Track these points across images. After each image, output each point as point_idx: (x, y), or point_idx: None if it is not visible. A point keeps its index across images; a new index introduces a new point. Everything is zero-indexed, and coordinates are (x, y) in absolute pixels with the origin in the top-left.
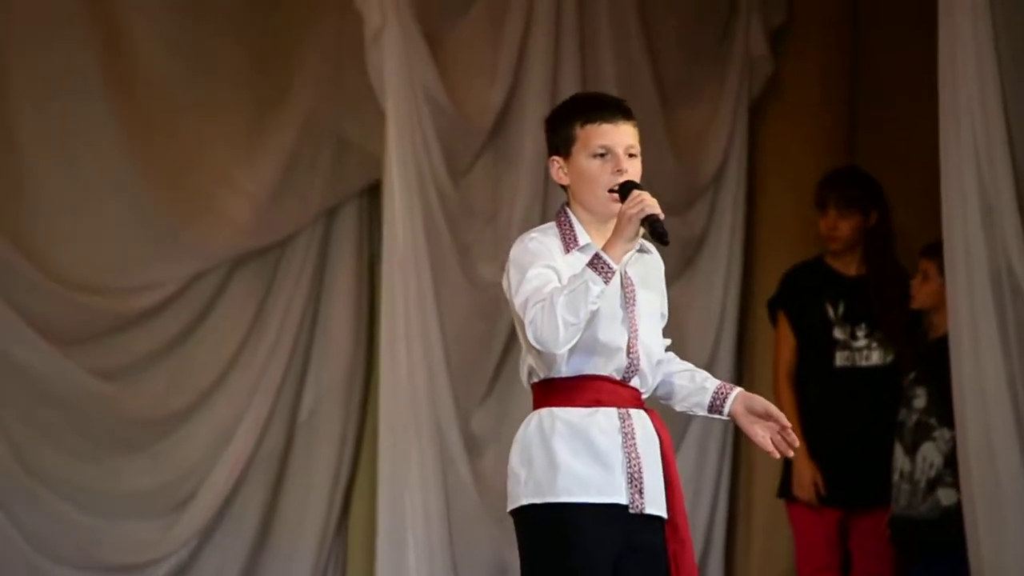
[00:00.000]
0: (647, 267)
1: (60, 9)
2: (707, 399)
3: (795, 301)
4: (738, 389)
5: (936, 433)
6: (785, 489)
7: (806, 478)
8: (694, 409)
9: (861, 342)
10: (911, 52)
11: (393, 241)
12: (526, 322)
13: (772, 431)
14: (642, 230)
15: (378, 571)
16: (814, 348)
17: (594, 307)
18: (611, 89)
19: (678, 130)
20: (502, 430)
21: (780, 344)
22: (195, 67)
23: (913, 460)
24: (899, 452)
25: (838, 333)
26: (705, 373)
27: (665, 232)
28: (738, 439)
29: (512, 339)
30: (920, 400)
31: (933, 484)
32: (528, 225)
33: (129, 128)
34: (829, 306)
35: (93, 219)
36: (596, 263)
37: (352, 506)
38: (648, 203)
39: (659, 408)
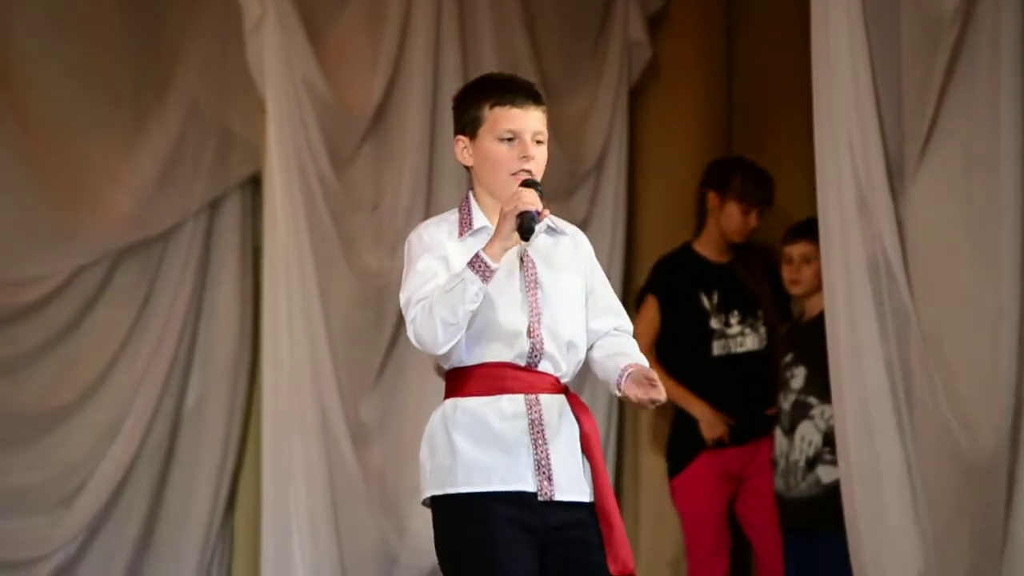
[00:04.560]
0: (559, 248)
1: None
2: (614, 379)
3: (669, 291)
4: (635, 367)
5: (814, 411)
6: (676, 465)
7: (710, 415)
8: (612, 390)
9: (735, 329)
10: (788, 38)
11: (274, 232)
12: (407, 321)
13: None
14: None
15: (263, 565)
16: (692, 339)
17: (473, 306)
18: None
19: (560, 118)
20: (391, 420)
21: (643, 327)
22: (76, 56)
23: (791, 441)
24: (779, 434)
25: (714, 323)
26: (628, 352)
27: (530, 229)
28: (623, 423)
29: (400, 329)
30: (798, 380)
31: (812, 462)
32: (412, 215)
33: (9, 122)
34: (704, 296)
35: None
36: (475, 262)
37: (238, 499)
38: (524, 199)
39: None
